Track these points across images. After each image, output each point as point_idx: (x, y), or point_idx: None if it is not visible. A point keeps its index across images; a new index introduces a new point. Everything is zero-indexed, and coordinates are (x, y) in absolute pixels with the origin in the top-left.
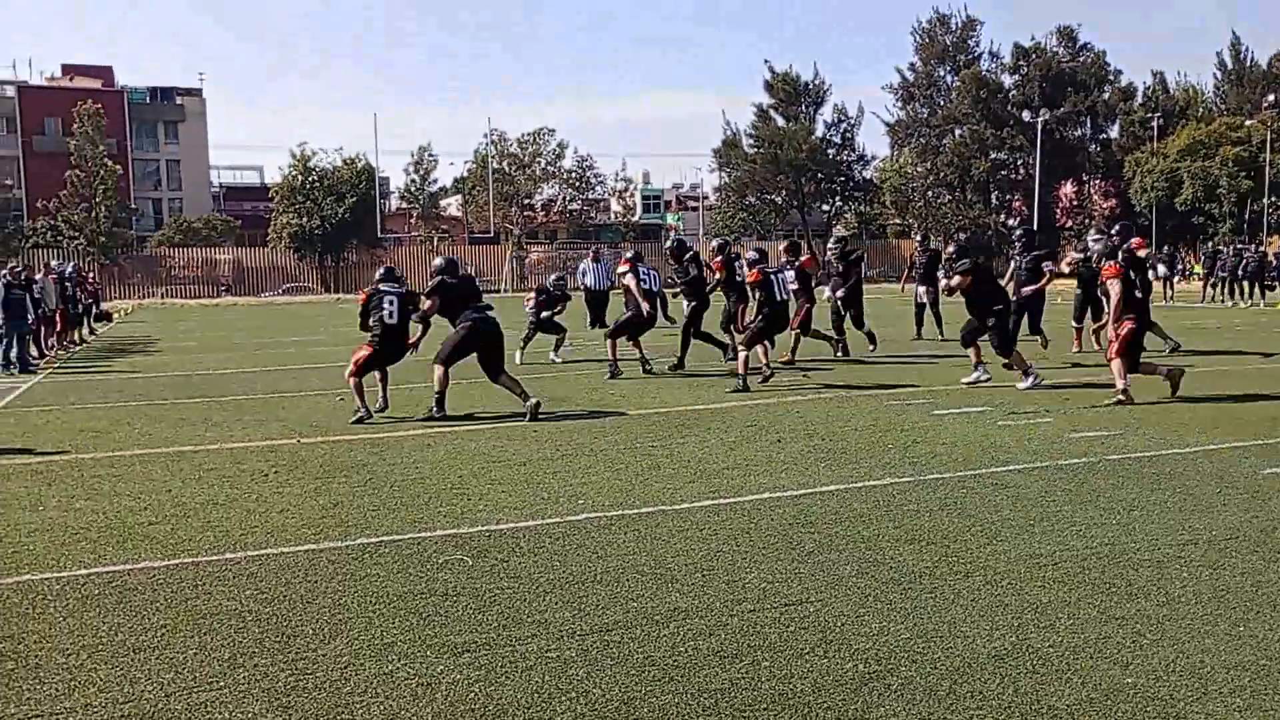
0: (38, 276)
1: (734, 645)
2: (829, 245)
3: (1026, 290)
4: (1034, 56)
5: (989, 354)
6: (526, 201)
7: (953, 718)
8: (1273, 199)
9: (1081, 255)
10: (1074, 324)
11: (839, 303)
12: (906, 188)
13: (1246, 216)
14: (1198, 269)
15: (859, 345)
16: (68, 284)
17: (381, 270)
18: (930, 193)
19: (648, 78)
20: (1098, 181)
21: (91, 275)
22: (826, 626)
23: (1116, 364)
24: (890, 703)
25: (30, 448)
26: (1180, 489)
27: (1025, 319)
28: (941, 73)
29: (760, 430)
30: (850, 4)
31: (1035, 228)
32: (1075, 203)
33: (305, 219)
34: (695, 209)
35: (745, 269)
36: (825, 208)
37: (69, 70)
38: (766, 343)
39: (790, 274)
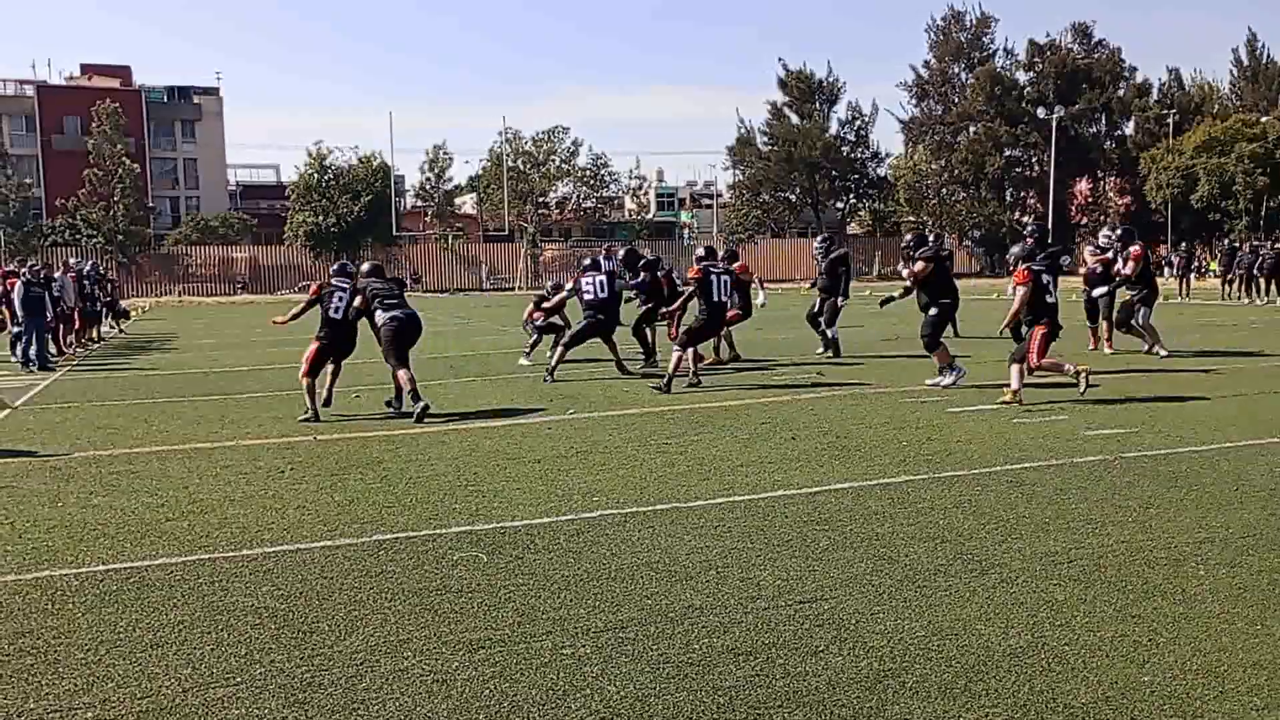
0: (56, 275)
1: (748, 643)
2: (814, 245)
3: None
4: (1049, 53)
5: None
6: (541, 199)
7: (967, 715)
8: None
9: (1099, 255)
10: (1089, 324)
11: (819, 302)
12: (921, 185)
13: (1263, 213)
14: (1214, 266)
15: (813, 343)
16: (86, 282)
17: (335, 265)
18: (944, 190)
19: (661, 75)
20: (1113, 179)
21: (111, 274)
22: (841, 624)
23: (1015, 368)
24: (905, 700)
25: (49, 444)
26: (1197, 487)
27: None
28: (956, 70)
29: (774, 427)
30: (865, 1)
31: (1049, 225)
32: (1090, 200)
33: (321, 217)
34: (709, 207)
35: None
36: (839, 205)
37: (88, 70)
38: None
39: (728, 278)
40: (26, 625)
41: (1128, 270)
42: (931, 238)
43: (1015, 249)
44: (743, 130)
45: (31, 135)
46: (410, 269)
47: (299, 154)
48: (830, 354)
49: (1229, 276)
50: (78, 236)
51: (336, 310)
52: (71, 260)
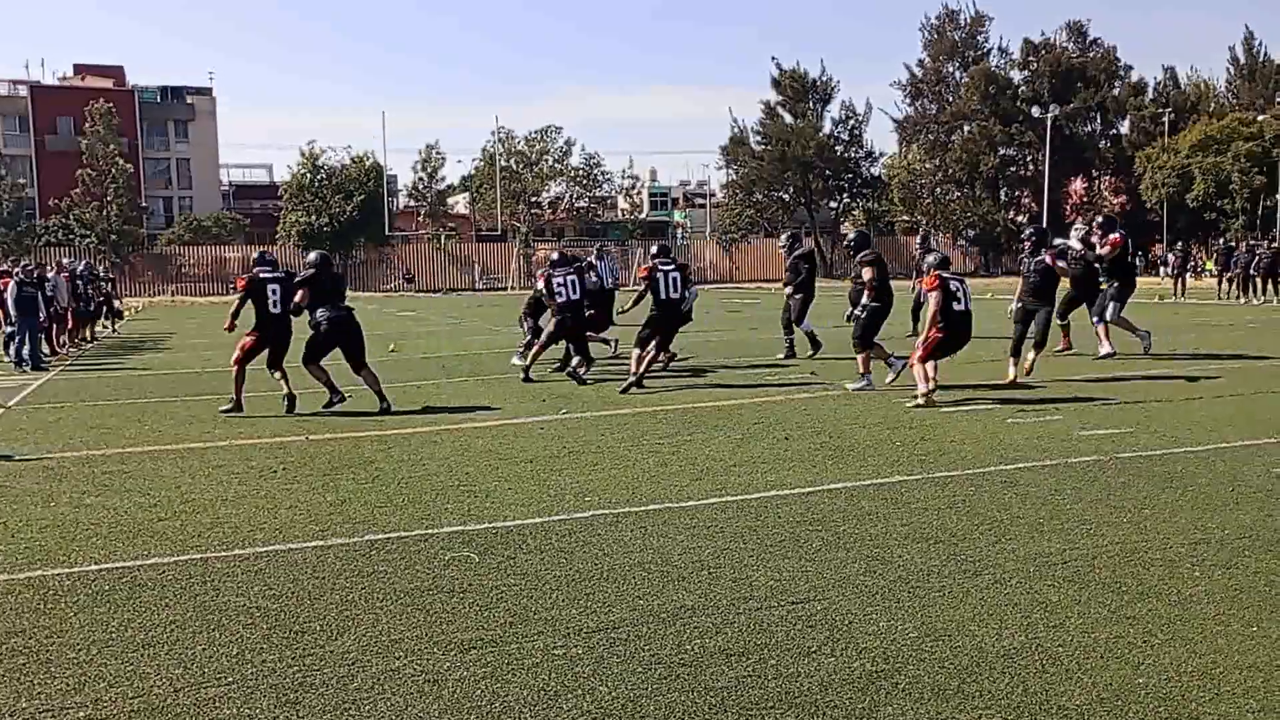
0: (49, 274)
1: (741, 643)
2: (779, 242)
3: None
4: (1043, 52)
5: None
6: (534, 199)
7: (961, 717)
8: None
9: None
10: (1058, 320)
11: (789, 301)
12: (914, 184)
13: (1259, 213)
14: (1210, 265)
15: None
16: (79, 282)
17: (257, 254)
18: (939, 189)
19: (655, 75)
20: (1108, 178)
21: (110, 273)
22: (834, 625)
23: (919, 369)
24: (898, 701)
25: (42, 444)
26: (1192, 488)
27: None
28: (950, 69)
29: (768, 427)
30: (862, 1)
31: (1045, 226)
32: (1085, 199)
33: (314, 217)
34: (703, 206)
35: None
36: (833, 205)
37: (81, 70)
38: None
39: (676, 275)
40: (19, 624)
41: (1103, 251)
42: (919, 239)
43: (930, 258)
44: (736, 129)
45: (25, 135)
46: (404, 269)
47: (292, 154)
48: (809, 353)
49: (1226, 276)
50: (71, 236)
51: (275, 305)
52: (65, 260)
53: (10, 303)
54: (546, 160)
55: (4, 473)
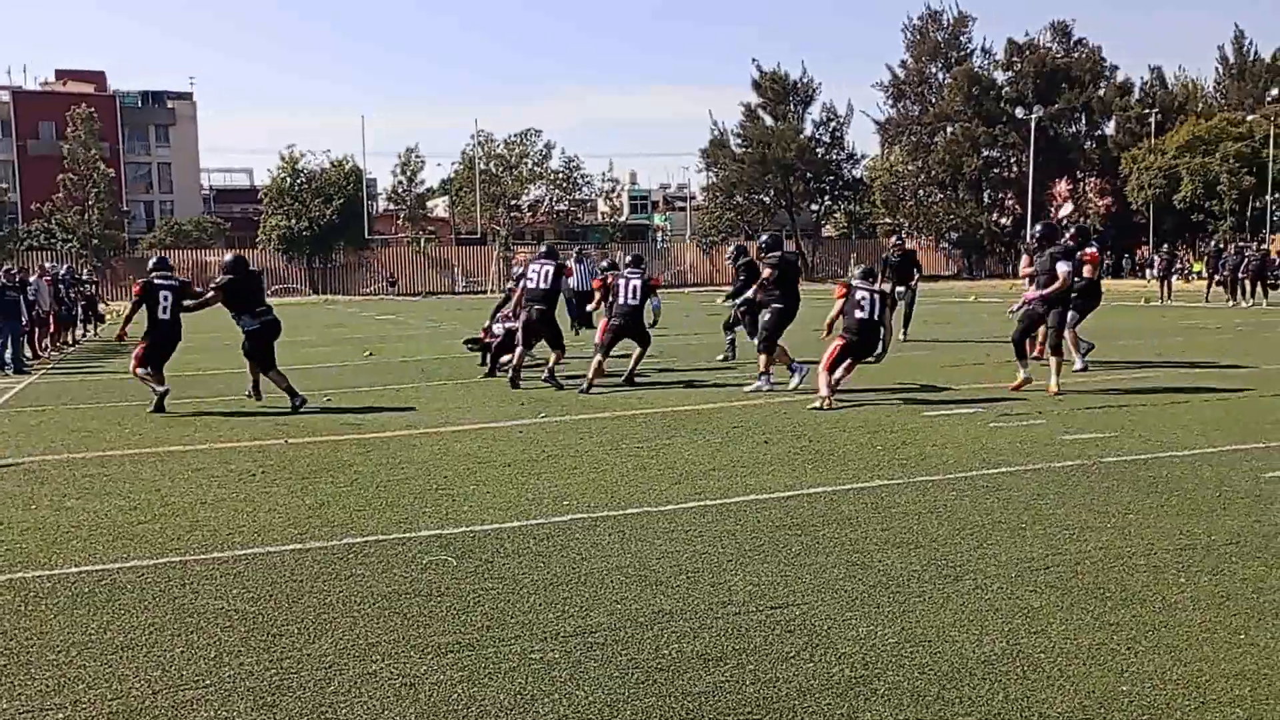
0: (31, 278)
1: (719, 648)
2: (728, 251)
3: (1045, 292)
4: (1027, 52)
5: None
6: (513, 202)
7: None
8: (1276, 196)
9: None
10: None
11: (737, 310)
12: (897, 186)
13: (1248, 214)
14: (1198, 268)
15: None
16: (61, 286)
17: (154, 260)
18: (921, 191)
19: (636, 77)
20: (1093, 179)
21: (92, 276)
22: (813, 630)
23: (823, 376)
24: (877, 707)
25: (24, 447)
26: (1178, 492)
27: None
28: (933, 70)
29: (747, 431)
30: (840, 1)
31: (1029, 227)
32: (1070, 200)
33: (294, 221)
34: (683, 209)
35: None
36: (814, 207)
37: (63, 75)
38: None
39: (637, 283)
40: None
41: (1086, 273)
42: (894, 240)
43: (855, 269)
44: (716, 132)
45: (7, 140)
46: (387, 273)
47: (272, 158)
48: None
49: (1215, 279)
50: (53, 240)
51: (165, 310)
52: (47, 264)
53: None
54: (526, 163)
55: None
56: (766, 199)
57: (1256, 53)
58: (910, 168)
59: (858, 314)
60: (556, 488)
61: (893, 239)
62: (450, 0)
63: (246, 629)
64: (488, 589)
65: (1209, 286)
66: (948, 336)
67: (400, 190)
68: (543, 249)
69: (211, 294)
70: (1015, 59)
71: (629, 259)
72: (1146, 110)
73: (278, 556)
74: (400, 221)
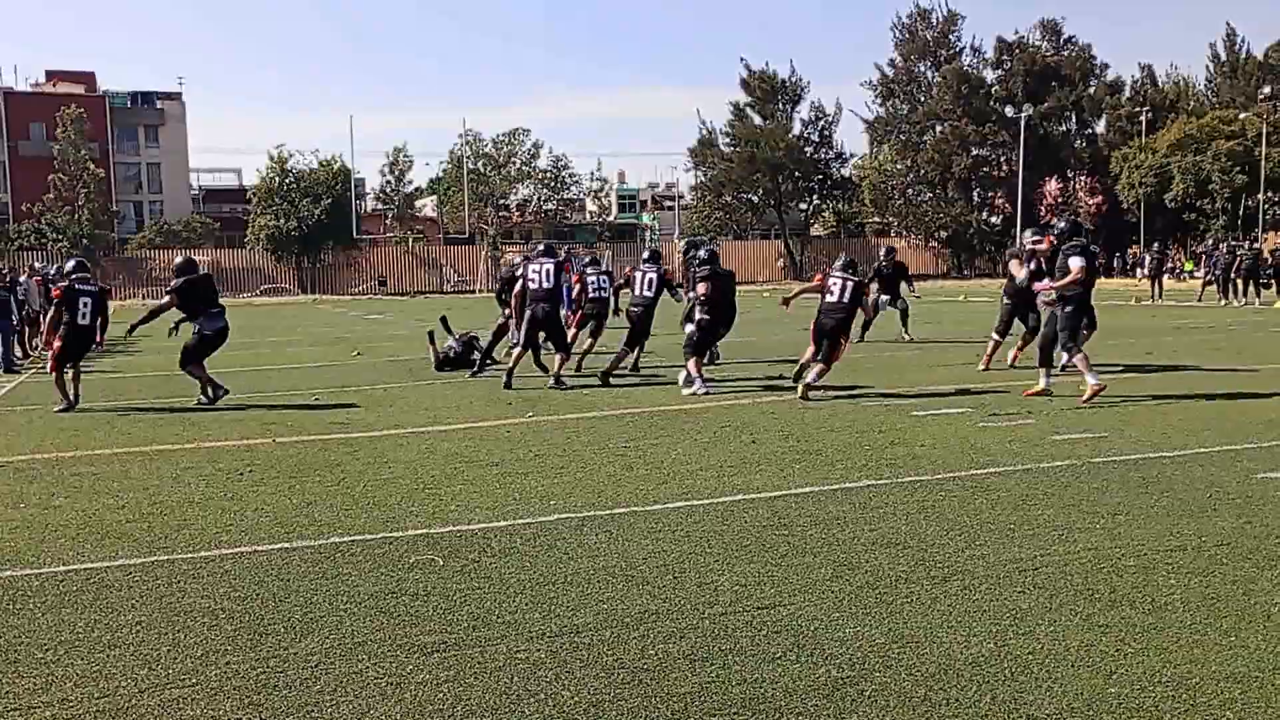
0: (21, 278)
1: (705, 648)
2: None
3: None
4: (1017, 51)
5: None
6: (502, 202)
7: None
8: (1269, 194)
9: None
10: (995, 335)
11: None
12: (886, 186)
13: (1240, 213)
14: (1189, 267)
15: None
16: (51, 285)
17: (73, 263)
18: (910, 190)
19: (623, 76)
20: (1083, 178)
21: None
22: (799, 630)
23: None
24: (864, 708)
25: (13, 446)
26: (1168, 493)
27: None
28: (922, 68)
29: (735, 431)
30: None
31: (1018, 226)
32: (1060, 200)
33: (282, 221)
34: (671, 209)
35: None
36: (803, 206)
37: (53, 76)
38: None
39: (653, 276)
40: None
41: (1074, 276)
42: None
43: (838, 261)
44: (704, 131)
45: None
46: (378, 275)
47: (261, 158)
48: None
49: (1205, 279)
50: (44, 241)
51: (84, 316)
52: (37, 264)
53: None
54: (514, 163)
55: None
56: (755, 198)
57: (1249, 50)
58: (899, 167)
59: (827, 297)
60: (543, 487)
61: (884, 249)
62: (439, 0)
63: (233, 628)
64: (474, 588)
65: (1203, 286)
66: (936, 336)
67: (388, 190)
68: (540, 247)
69: (168, 299)
70: (1005, 57)
71: (646, 254)
72: (1137, 109)
73: (265, 556)
74: (388, 221)
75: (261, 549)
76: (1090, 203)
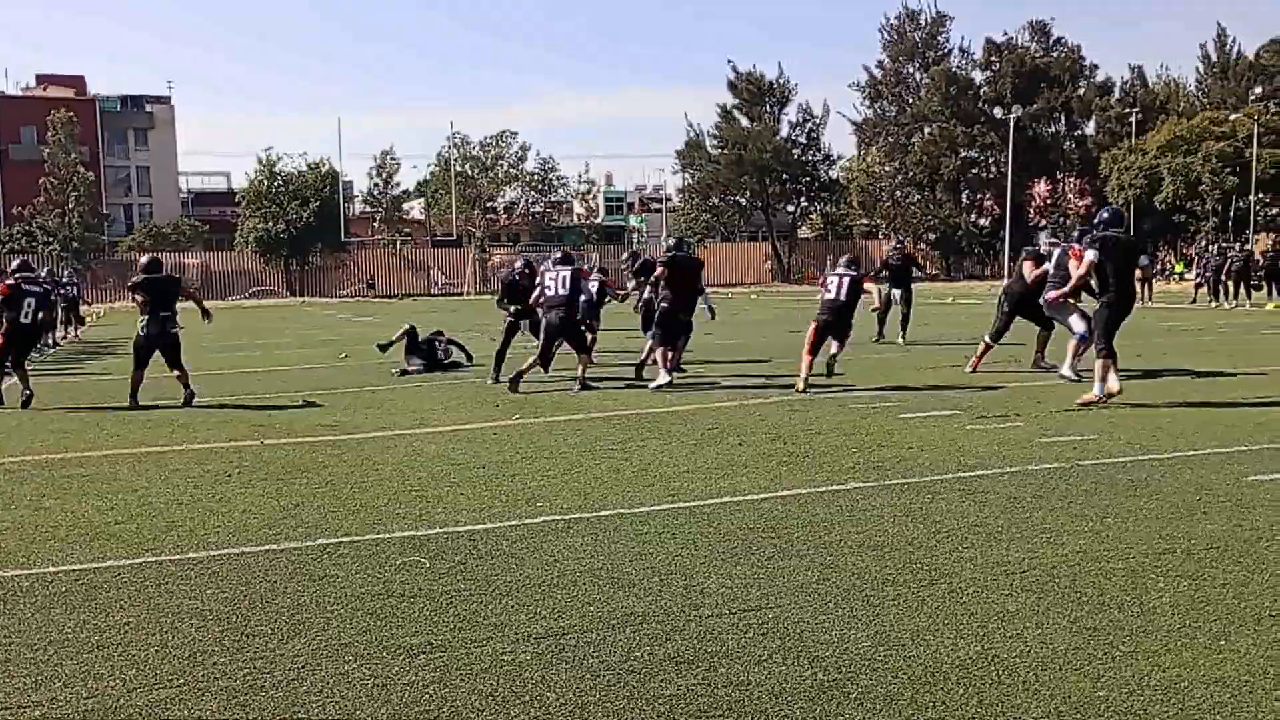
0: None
1: (691, 651)
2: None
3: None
4: (1006, 52)
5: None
6: (489, 204)
7: None
8: (1259, 195)
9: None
10: (987, 338)
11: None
12: (874, 187)
13: (1231, 214)
14: (1179, 268)
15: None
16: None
17: (17, 262)
18: (898, 192)
19: (611, 78)
20: (1073, 179)
21: (73, 279)
22: (786, 633)
23: (805, 359)
24: (850, 711)
25: (4, 447)
26: (1158, 496)
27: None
28: (910, 70)
29: (722, 433)
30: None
31: (1007, 227)
32: (1049, 201)
33: (271, 223)
34: (659, 211)
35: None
36: (790, 208)
37: (43, 80)
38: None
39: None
40: None
41: (1080, 270)
42: (894, 244)
43: (842, 259)
44: (691, 133)
45: None
46: (367, 276)
47: (249, 161)
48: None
49: (1194, 281)
50: (34, 244)
51: (27, 315)
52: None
53: None
54: (501, 165)
55: None
56: (742, 200)
57: (1239, 50)
58: (887, 168)
59: (826, 295)
60: (530, 489)
61: (893, 242)
62: (425, 3)
63: (220, 629)
64: (460, 590)
65: (1195, 289)
66: (925, 338)
67: (376, 192)
68: (558, 254)
69: (138, 297)
70: (993, 59)
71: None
72: (1127, 110)
73: (252, 557)
74: (376, 223)
75: (249, 550)
76: (1079, 204)
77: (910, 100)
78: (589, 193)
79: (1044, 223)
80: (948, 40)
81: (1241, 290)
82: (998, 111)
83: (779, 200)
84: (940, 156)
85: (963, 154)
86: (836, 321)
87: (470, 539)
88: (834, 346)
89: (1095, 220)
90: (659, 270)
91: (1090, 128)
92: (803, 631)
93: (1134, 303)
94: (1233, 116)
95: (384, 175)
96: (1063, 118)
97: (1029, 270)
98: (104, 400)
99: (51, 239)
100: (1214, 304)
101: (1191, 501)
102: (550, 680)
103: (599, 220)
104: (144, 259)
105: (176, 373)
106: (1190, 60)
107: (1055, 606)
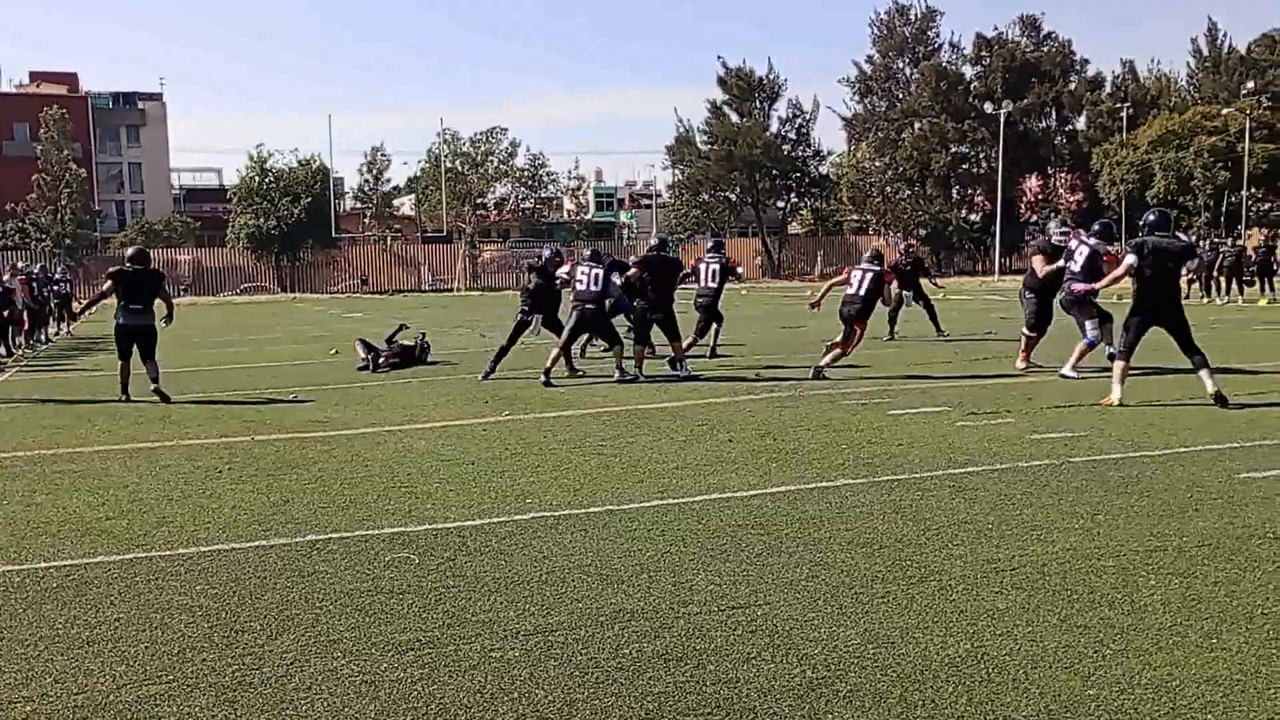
0: (4, 277)
1: (679, 648)
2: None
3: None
4: (996, 47)
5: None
6: (479, 200)
7: None
8: (1252, 190)
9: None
10: (1026, 331)
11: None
12: (864, 183)
13: (1224, 209)
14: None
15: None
16: (34, 284)
17: None
18: (889, 188)
19: (602, 74)
20: (1064, 175)
21: (66, 275)
22: (775, 630)
23: (831, 354)
24: (839, 709)
25: None
26: (1149, 493)
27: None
28: (900, 65)
29: (712, 429)
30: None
31: (998, 223)
32: (1041, 196)
33: (262, 220)
34: (649, 207)
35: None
36: (780, 204)
37: (36, 77)
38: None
39: (716, 266)
40: None
41: (1116, 273)
42: (904, 248)
43: (866, 253)
44: (681, 129)
45: None
46: (359, 272)
47: (241, 157)
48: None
49: (1187, 278)
50: (27, 240)
51: None
52: (19, 264)
53: None
54: (491, 161)
55: None
56: (733, 196)
57: (1231, 45)
58: (878, 164)
59: (847, 289)
60: (519, 486)
61: (905, 244)
62: (425, 3)
63: (209, 625)
64: (449, 587)
65: (1188, 284)
66: (915, 334)
67: (366, 189)
68: (587, 253)
69: (108, 284)
70: (984, 54)
71: (710, 244)
72: (1118, 105)
73: (241, 553)
74: (367, 220)
75: (239, 546)
76: (1071, 200)
77: (900, 95)
78: (579, 189)
79: (1035, 219)
80: (938, 35)
81: (1234, 286)
82: (988, 107)
83: (769, 196)
84: (930, 152)
85: (953, 149)
86: (853, 316)
87: (459, 535)
88: (831, 354)
89: (1141, 222)
90: (632, 271)
91: (1081, 123)
92: (791, 629)
93: (1175, 310)
94: (1225, 111)
95: (374, 171)
96: (1053, 113)
97: (1039, 265)
98: (95, 396)
99: (44, 235)
100: (1206, 300)
101: (1183, 499)
102: (538, 677)
103: (589, 216)
104: (130, 250)
105: (146, 365)
106: (1182, 55)
107: (1045, 604)
